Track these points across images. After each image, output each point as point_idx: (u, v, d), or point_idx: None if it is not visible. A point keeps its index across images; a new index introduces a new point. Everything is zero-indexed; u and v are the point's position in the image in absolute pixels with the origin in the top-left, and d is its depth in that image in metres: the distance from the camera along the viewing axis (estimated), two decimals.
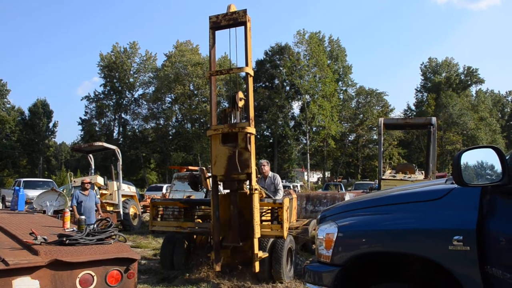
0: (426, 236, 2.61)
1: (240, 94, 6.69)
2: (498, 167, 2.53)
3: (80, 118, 51.94)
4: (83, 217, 4.29)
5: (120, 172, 14.34)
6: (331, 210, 3.41)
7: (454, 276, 2.47)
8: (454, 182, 2.61)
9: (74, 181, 14.87)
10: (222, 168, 6.29)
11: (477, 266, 2.38)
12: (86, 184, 8.80)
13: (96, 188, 11.96)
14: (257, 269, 6.30)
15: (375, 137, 48.47)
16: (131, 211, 14.35)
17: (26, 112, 51.27)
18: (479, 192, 2.52)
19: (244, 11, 6.34)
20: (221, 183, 6.73)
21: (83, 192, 8.72)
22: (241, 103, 6.66)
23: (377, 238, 2.83)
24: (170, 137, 50.92)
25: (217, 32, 6.71)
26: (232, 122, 6.60)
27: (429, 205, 2.68)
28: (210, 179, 6.84)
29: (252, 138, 6.29)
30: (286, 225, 6.49)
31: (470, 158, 2.66)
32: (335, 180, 40.74)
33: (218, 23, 6.53)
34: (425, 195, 2.84)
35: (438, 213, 2.61)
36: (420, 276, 2.84)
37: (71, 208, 10.75)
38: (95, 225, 3.98)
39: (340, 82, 49.44)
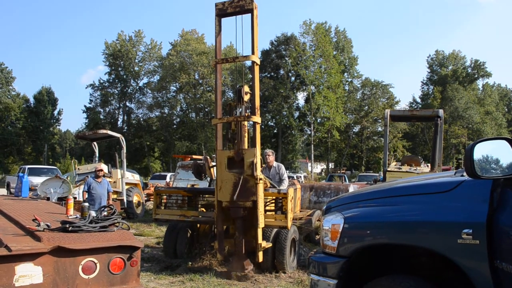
0: (434, 229, 2.54)
1: (246, 88, 6.60)
2: (509, 160, 2.47)
3: (85, 106, 52.30)
4: (86, 204, 4.27)
5: (124, 160, 14.36)
6: (336, 201, 3.35)
7: (462, 270, 2.41)
8: (465, 174, 2.54)
9: (79, 169, 14.92)
10: (227, 194, 6.21)
11: (486, 260, 2.32)
12: (98, 172, 8.78)
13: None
14: (260, 259, 6.30)
15: (379, 129, 48.32)
16: (135, 199, 14.40)
17: (31, 100, 51.35)
18: (490, 185, 2.45)
19: None
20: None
21: (96, 179, 8.71)
22: (246, 97, 6.57)
23: (384, 230, 2.78)
24: (175, 126, 51.01)
25: (223, 22, 6.62)
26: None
27: (439, 197, 2.61)
28: (214, 168, 6.80)
29: (257, 127, 6.23)
30: (290, 215, 6.46)
31: (482, 150, 2.59)
32: (339, 171, 40.71)
33: (224, 10, 6.45)
34: (435, 187, 2.77)
35: (448, 206, 2.54)
36: (427, 269, 2.80)
37: (75, 195, 10.82)
38: (99, 212, 3.95)
39: (345, 73, 49.16)
